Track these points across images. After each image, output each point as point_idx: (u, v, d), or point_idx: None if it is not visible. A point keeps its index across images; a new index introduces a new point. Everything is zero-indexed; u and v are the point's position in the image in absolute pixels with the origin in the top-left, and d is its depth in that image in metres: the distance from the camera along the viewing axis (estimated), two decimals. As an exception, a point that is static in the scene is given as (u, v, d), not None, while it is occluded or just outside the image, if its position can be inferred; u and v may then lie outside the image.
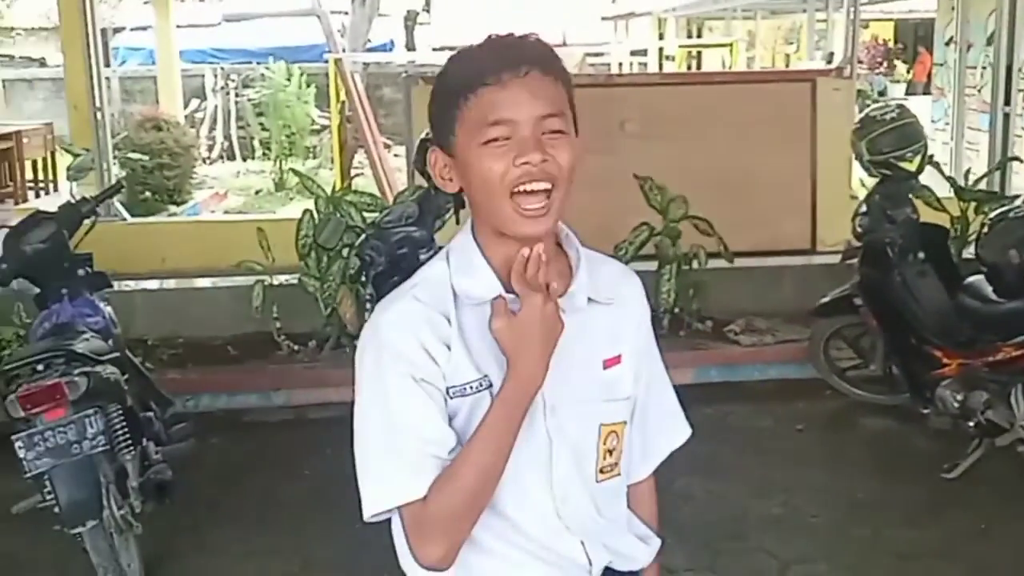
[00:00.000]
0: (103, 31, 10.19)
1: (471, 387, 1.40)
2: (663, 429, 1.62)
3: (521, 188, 1.36)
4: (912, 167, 4.63)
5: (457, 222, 4.10)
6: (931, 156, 4.98)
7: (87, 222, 4.15)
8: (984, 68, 10.31)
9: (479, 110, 1.36)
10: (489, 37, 1.42)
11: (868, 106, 5.40)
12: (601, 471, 1.48)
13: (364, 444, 1.41)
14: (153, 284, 6.37)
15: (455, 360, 1.39)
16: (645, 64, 19.04)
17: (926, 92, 18.77)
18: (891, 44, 26.02)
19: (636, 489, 1.60)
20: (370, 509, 1.39)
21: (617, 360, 1.50)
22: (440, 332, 1.39)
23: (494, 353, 1.39)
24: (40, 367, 3.48)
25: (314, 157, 14.23)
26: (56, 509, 3.33)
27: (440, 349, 1.38)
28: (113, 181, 7.26)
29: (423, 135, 4.03)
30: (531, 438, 1.41)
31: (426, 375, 1.38)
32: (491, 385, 1.40)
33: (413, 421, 1.37)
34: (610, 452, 1.49)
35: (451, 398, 1.39)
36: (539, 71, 1.37)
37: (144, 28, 16.82)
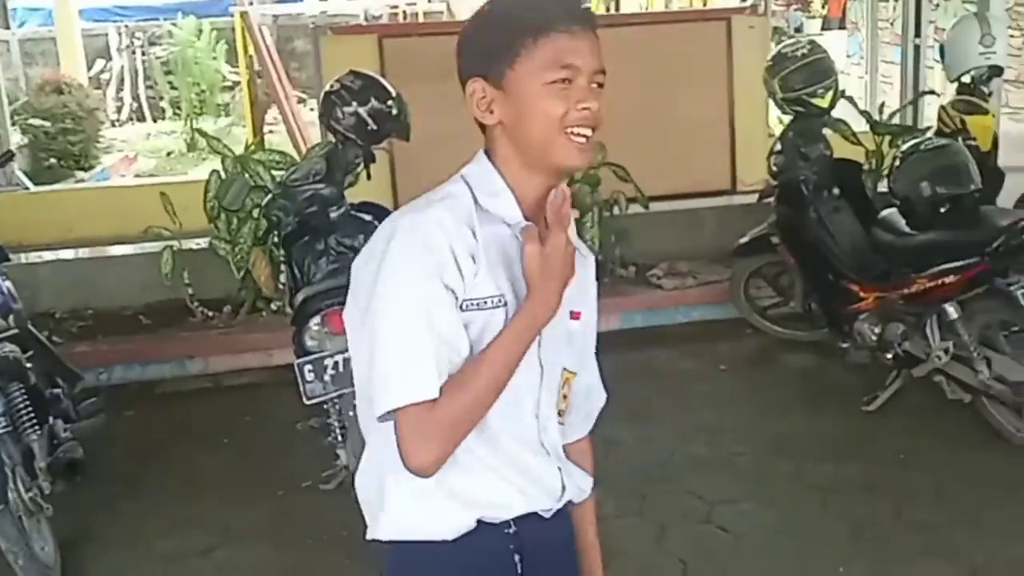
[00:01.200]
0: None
1: (489, 302, 1.46)
2: (595, 392, 1.74)
3: (577, 130, 1.48)
4: (824, 103, 4.64)
5: (368, 177, 3.97)
6: (843, 91, 4.99)
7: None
8: (896, 1, 10.42)
9: (550, 52, 1.46)
10: None
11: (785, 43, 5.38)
12: (559, 412, 1.60)
13: (385, 340, 1.42)
14: (60, 255, 6.13)
15: (478, 273, 1.45)
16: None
17: (841, 27, 18.96)
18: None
19: (579, 446, 1.72)
20: (386, 405, 1.41)
21: (579, 315, 1.61)
22: (469, 244, 1.45)
23: (509, 274, 1.48)
24: (-70, 349, 3.31)
25: (226, 115, 13.85)
26: (-42, 494, 3.20)
27: (467, 261, 1.44)
28: (11, 149, 6.96)
29: (327, 88, 3.87)
30: (529, 364, 1.50)
31: (452, 283, 1.43)
32: (505, 304, 1.47)
33: (438, 324, 1.42)
34: (564, 397, 1.61)
35: (464, 310, 1.45)
36: (593, 31, 1.51)
37: (41, -14, 16.08)
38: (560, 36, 1.47)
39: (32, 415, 3.45)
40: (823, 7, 24.69)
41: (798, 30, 23.56)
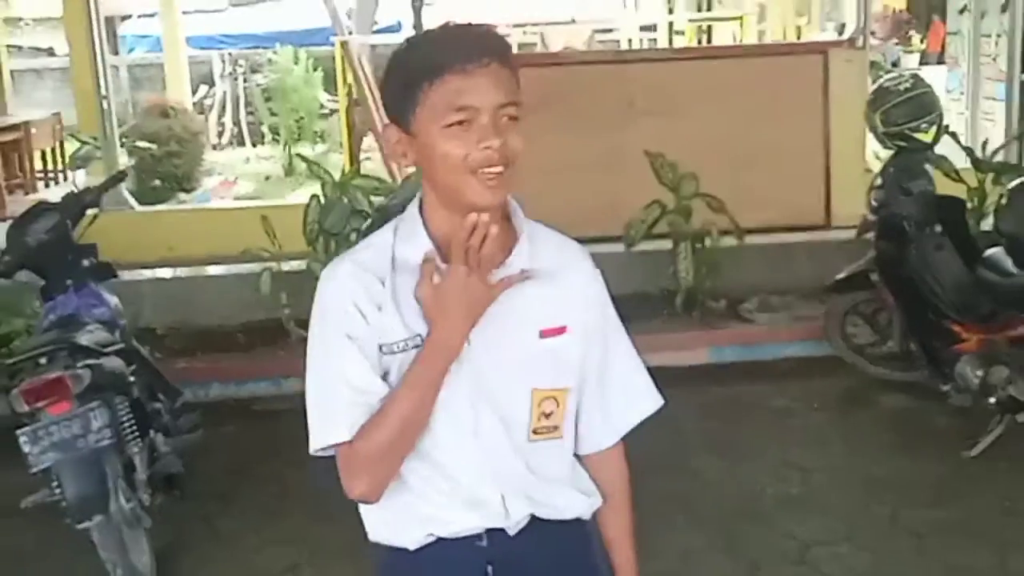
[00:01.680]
0: (109, 19, 10.15)
1: (399, 345, 1.54)
2: (627, 400, 1.71)
3: (482, 170, 1.48)
4: (928, 138, 4.54)
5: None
6: (947, 126, 4.87)
7: (90, 212, 4.12)
8: (999, 36, 10.14)
9: (443, 95, 1.47)
10: (447, 25, 1.54)
11: (881, 77, 5.30)
12: (535, 431, 1.60)
13: (308, 390, 1.58)
14: (161, 273, 6.34)
15: (386, 320, 1.53)
16: (655, 40, 18.84)
17: (940, 62, 18.51)
18: (904, 14, 25.71)
19: (600, 456, 1.72)
20: (312, 447, 1.56)
21: (560, 331, 1.60)
22: (373, 294, 1.54)
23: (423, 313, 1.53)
24: (43, 360, 3.46)
25: (323, 141, 14.17)
26: (63, 504, 3.31)
27: (371, 310, 1.53)
28: (125, 170, 7.23)
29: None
30: (455, 397, 1.54)
31: (358, 332, 1.52)
32: (422, 344, 1.53)
33: (345, 373, 1.53)
34: (546, 415, 1.61)
35: (384, 355, 1.54)
36: (498, 62, 1.50)
37: (151, 15, 16.75)
38: (453, 78, 1.47)
39: (135, 428, 3.56)
40: (922, 42, 24.21)
41: (895, 64, 23.12)
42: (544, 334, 1.59)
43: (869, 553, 3.63)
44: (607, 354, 1.68)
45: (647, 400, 1.73)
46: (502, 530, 1.61)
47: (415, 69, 1.50)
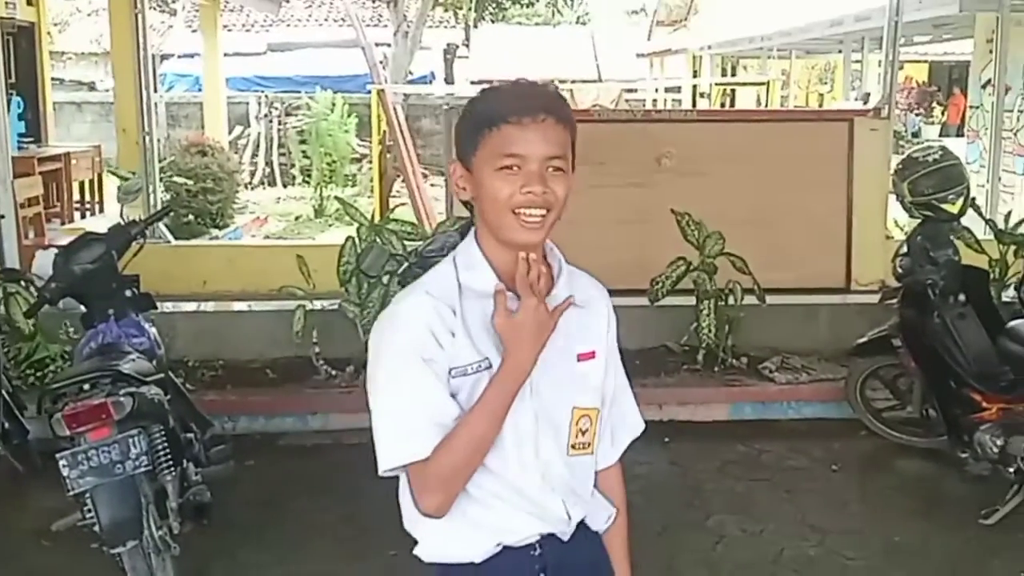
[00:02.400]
0: (152, 57, 10.41)
1: (472, 368, 1.67)
2: (625, 422, 1.92)
3: (522, 211, 1.66)
4: (954, 209, 4.62)
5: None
6: (973, 198, 4.96)
7: (135, 244, 4.23)
8: (1021, 112, 10.26)
9: (499, 141, 1.66)
10: (518, 81, 1.73)
11: (903, 147, 5.41)
12: (573, 447, 1.77)
13: (379, 413, 1.67)
14: (195, 306, 6.46)
15: (458, 345, 1.67)
16: (679, 100, 19.11)
17: (959, 134, 18.69)
18: (926, 86, 25.93)
19: (607, 473, 1.90)
20: (383, 466, 1.67)
21: (591, 355, 1.79)
22: (447, 321, 1.67)
23: (493, 339, 1.67)
24: (86, 386, 3.53)
25: (353, 185, 14.39)
26: (96, 528, 3.35)
27: (446, 336, 1.66)
28: (159, 204, 7.41)
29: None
30: (521, 415, 1.69)
31: (433, 356, 1.65)
32: (490, 366, 1.67)
33: (420, 395, 1.65)
34: (582, 432, 1.77)
35: (453, 377, 1.67)
36: (553, 119, 1.67)
37: (191, 55, 17.15)
38: (508, 127, 1.65)
39: (169, 457, 3.62)
40: (942, 114, 24.41)
41: (915, 135, 23.34)
42: (580, 358, 1.78)
43: (885, 617, 3.66)
44: (616, 379, 1.88)
45: (637, 422, 1.94)
46: (553, 538, 1.77)
47: (481, 116, 1.69)
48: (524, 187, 1.65)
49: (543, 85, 1.73)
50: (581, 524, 1.80)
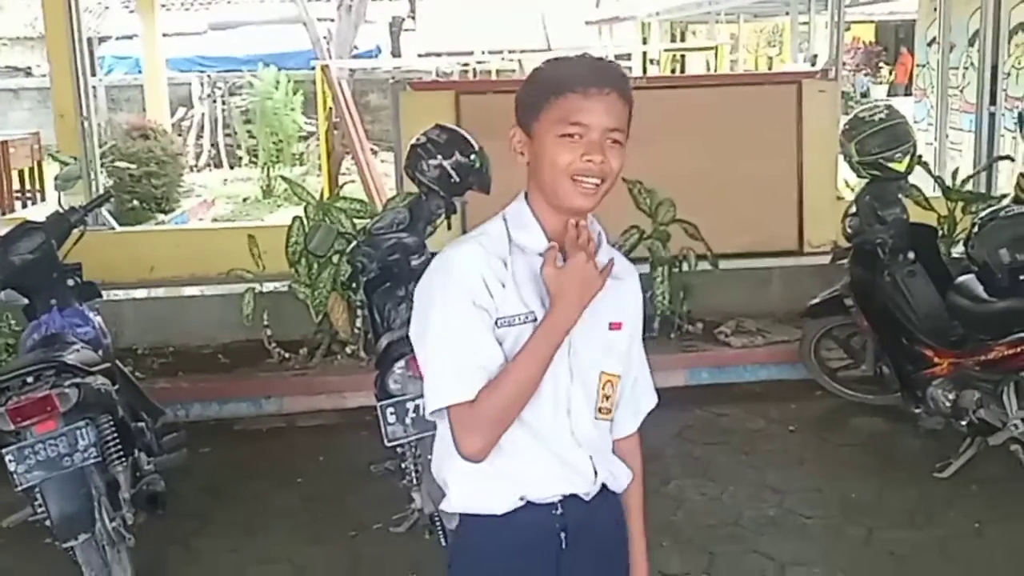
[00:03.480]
0: (89, 40, 10.15)
1: (518, 319, 1.73)
2: (645, 394, 1.99)
3: (580, 178, 1.72)
4: (901, 167, 4.64)
5: (449, 227, 4.08)
6: (920, 156, 5.00)
7: (76, 232, 4.13)
8: (966, 68, 10.38)
9: (564, 109, 1.72)
10: (584, 55, 1.81)
11: (851, 107, 5.43)
12: (599, 410, 1.83)
13: (430, 354, 1.73)
14: (142, 293, 6.34)
15: (508, 296, 1.73)
16: (630, 68, 19.07)
17: (907, 93, 18.89)
18: (874, 46, 26.18)
19: (627, 441, 1.96)
20: (431, 406, 1.73)
21: (619, 326, 1.85)
22: (498, 272, 1.73)
23: (539, 294, 1.74)
24: (30, 379, 3.45)
25: (301, 164, 14.21)
26: (48, 522, 3.31)
27: (496, 285, 1.72)
28: (101, 190, 7.24)
29: (414, 140, 4.00)
30: (561, 370, 1.76)
31: (483, 303, 1.71)
32: (535, 319, 1.73)
33: (471, 338, 1.70)
34: (607, 397, 1.84)
35: (498, 327, 1.72)
36: (617, 94, 1.74)
37: (130, 37, 16.78)
38: (575, 96, 1.71)
39: (119, 447, 3.56)
40: (890, 74, 24.67)
41: (864, 95, 23.57)
42: (611, 327, 1.84)
43: (844, 574, 3.69)
44: (639, 351, 1.94)
45: (653, 395, 2.01)
46: (576, 498, 1.82)
47: (546, 83, 1.75)
48: (584, 155, 1.70)
49: (608, 61, 1.81)
50: (602, 487, 1.85)
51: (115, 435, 3.55)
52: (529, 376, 1.70)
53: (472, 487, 1.78)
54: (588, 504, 1.83)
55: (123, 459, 3.56)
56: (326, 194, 8.36)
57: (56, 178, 4.66)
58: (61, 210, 4.21)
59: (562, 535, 1.81)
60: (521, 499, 1.78)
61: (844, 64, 15.93)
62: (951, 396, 4.40)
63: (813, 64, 11.39)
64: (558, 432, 1.78)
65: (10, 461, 3.23)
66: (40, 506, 3.32)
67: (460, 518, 1.84)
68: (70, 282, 4.00)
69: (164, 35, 13.81)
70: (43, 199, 10.53)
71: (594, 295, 1.73)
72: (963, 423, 4.36)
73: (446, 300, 1.71)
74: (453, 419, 1.71)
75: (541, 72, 1.79)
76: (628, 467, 1.94)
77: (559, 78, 1.74)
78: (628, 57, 19.82)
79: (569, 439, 1.79)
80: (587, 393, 1.81)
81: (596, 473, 1.83)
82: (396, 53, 18.06)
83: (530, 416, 1.74)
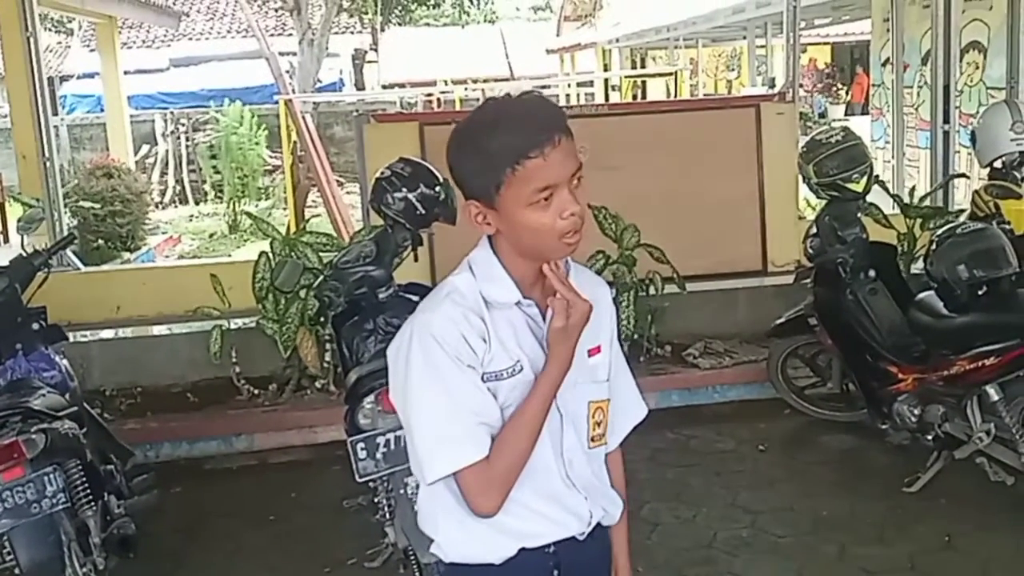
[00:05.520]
0: (50, 79, 10.11)
1: (506, 372, 1.71)
2: (628, 408, 1.96)
3: (568, 237, 1.67)
4: (859, 188, 4.73)
5: (416, 259, 4.10)
6: (877, 176, 5.09)
7: (40, 275, 4.10)
8: (920, 87, 10.59)
9: (528, 179, 1.63)
10: (508, 102, 1.69)
11: (810, 128, 5.52)
12: (592, 440, 1.82)
13: (426, 420, 1.68)
14: (109, 333, 6.28)
15: (492, 351, 1.70)
16: (592, 95, 19.30)
17: (864, 112, 19.21)
18: (829, 67, 26.63)
19: (609, 458, 1.93)
20: (439, 472, 1.68)
21: (598, 350, 1.83)
22: (477, 328, 1.69)
23: (519, 342, 1.72)
24: (-4, 426, 3.42)
25: (267, 198, 14.19)
26: (17, 571, 3.28)
27: (478, 342, 1.69)
28: (65, 231, 7.18)
29: (378, 174, 4.02)
30: (551, 412, 1.74)
31: (470, 362, 1.68)
32: (523, 368, 1.72)
33: (470, 399, 1.67)
34: (598, 424, 1.82)
35: (485, 382, 1.69)
36: (563, 135, 1.66)
37: (92, 75, 16.70)
38: (534, 163, 1.62)
39: (88, 491, 3.53)
40: (847, 93, 25.09)
41: (822, 115, 23.93)
42: (590, 353, 1.82)
43: (818, 591, 3.73)
44: (617, 367, 1.91)
45: (640, 408, 1.98)
46: (570, 538, 1.80)
47: (496, 155, 1.64)
48: (564, 212, 1.65)
49: (540, 102, 1.70)
50: (596, 523, 1.84)
51: (84, 479, 3.52)
52: (539, 424, 1.70)
53: (469, 540, 1.76)
54: (581, 543, 1.82)
55: (93, 503, 3.53)
56: (292, 227, 8.35)
57: (19, 220, 4.65)
58: (24, 254, 4.19)
59: (555, 572, 1.81)
60: (520, 549, 1.77)
61: (802, 85, 16.20)
62: (916, 411, 4.46)
63: (771, 87, 11.58)
64: (553, 476, 1.77)
65: (-23, 509, 3.19)
66: (9, 554, 3.29)
67: (449, 568, 1.81)
68: (35, 326, 3.98)
69: (126, 73, 13.77)
70: (6, 241, 10.45)
71: (583, 328, 1.71)
72: (929, 438, 4.42)
73: (432, 364, 1.66)
74: (466, 480, 1.67)
75: (481, 141, 1.66)
76: (620, 496, 1.93)
77: (509, 148, 1.63)
78: (590, 84, 20.02)
79: (565, 481, 1.78)
80: (577, 428, 1.79)
81: (591, 514, 1.82)
82: (360, 85, 18.12)
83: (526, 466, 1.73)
